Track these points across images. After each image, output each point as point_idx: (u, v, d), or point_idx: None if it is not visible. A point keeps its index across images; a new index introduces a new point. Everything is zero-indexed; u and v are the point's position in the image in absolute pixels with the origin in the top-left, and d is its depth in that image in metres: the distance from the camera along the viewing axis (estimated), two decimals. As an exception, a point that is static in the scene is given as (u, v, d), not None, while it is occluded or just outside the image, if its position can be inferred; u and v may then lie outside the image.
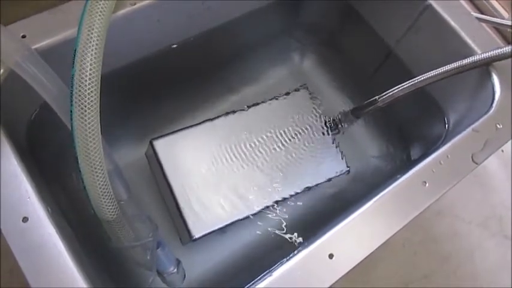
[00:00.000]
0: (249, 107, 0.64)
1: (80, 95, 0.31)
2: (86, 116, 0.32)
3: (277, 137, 0.63)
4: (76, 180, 0.55)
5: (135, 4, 0.48)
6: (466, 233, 0.75)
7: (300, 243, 0.60)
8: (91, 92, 0.31)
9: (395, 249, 0.71)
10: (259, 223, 0.62)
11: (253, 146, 0.62)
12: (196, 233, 0.54)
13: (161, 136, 0.58)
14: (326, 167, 0.64)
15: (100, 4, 0.32)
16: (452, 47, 0.55)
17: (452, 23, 0.55)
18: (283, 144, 0.63)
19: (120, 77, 0.54)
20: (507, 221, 0.77)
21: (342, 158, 0.65)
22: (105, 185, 0.35)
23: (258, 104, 0.65)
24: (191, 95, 0.68)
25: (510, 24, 0.79)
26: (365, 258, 0.40)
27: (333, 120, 0.67)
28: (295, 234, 0.62)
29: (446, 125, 0.58)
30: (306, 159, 0.63)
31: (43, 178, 0.43)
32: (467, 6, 0.57)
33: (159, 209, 0.61)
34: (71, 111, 0.32)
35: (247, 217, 0.58)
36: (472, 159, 0.46)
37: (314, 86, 0.73)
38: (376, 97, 0.58)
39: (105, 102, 0.34)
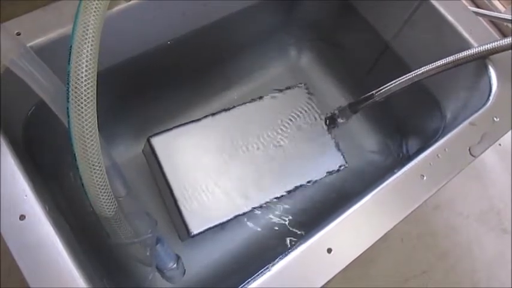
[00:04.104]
0: (246, 103, 0.64)
1: (76, 92, 0.31)
2: (82, 112, 0.31)
3: (275, 133, 0.63)
4: (74, 177, 0.55)
5: (130, 1, 0.48)
6: (464, 227, 0.75)
7: (298, 237, 0.60)
8: (87, 88, 0.31)
9: (394, 244, 0.71)
10: (257, 219, 0.62)
11: (250, 142, 0.62)
12: (195, 230, 0.54)
13: (158, 133, 0.58)
14: (324, 162, 0.64)
15: (95, 1, 0.32)
16: (449, 40, 0.55)
17: (449, 17, 0.55)
18: (281, 140, 0.63)
19: (116, 74, 0.54)
20: (505, 215, 0.77)
21: (340, 153, 0.65)
22: (103, 182, 0.35)
23: (255, 100, 0.65)
24: (188, 92, 0.68)
25: (506, 17, 0.79)
26: (364, 252, 0.40)
27: (331, 115, 0.67)
28: (294, 229, 0.62)
29: (444, 119, 0.58)
30: (304, 155, 0.63)
31: (40, 176, 0.43)
32: (464, 0, 0.57)
33: (157, 206, 0.61)
34: (68, 108, 0.32)
35: (246, 213, 0.58)
36: (470, 153, 0.46)
37: (311, 81, 0.73)
38: (373, 92, 0.58)
39: (101, 100, 0.34)
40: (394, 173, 0.44)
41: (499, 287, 0.72)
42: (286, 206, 0.63)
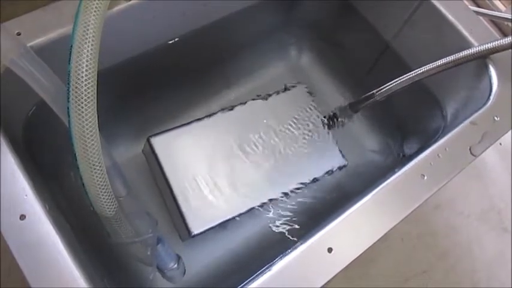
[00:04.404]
0: (246, 103, 0.64)
1: (76, 92, 0.31)
2: (83, 112, 0.31)
3: (275, 132, 0.63)
4: (74, 177, 0.55)
5: (130, 1, 0.48)
6: (464, 227, 0.75)
7: (299, 237, 0.60)
8: (88, 88, 0.31)
9: (394, 243, 0.71)
10: (258, 218, 0.62)
11: (250, 142, 0.62)
12: (196, 230, 0.54)
13: (158, 133, 0.58)
14: (324, 161, 0.64)
15: (95, 1, 0.32)
16: (450, 40, 0.55)
17: (449, 16, 0.55)
18: (281, 140, 0.63)
19: (116, 74, 0.54)
20: (506, 214, 0.77)
21: (340, 153, 0.65)
22: (104, 182, 0.34)
23: (255, 99, 0.65)
24: (188, 92, 0.68)
25: (507, 17, 0.79)
26: (364, 251, 0.40)
27: (331, 115, 0.67)
28: (295, 228, 0.62)
29: (444, 118, 0.58)
30: (304, 154, 0.63)
31: (40, 175, 0.43)
32: (465, 0, 0.57)
33: (157, 206, 0.61)
34: (68, 108, 0.32)
35: (246, 212, 0.57)
36: (470, 152, 0.46)
37: (312, 81, 0.73)
38: (374, 91, 0.58)
39: (102, 100, 0.34)
40: (395, 172, 0.44)
41: (499, 287, 0.72)
42: (287, 206, 0.63)
